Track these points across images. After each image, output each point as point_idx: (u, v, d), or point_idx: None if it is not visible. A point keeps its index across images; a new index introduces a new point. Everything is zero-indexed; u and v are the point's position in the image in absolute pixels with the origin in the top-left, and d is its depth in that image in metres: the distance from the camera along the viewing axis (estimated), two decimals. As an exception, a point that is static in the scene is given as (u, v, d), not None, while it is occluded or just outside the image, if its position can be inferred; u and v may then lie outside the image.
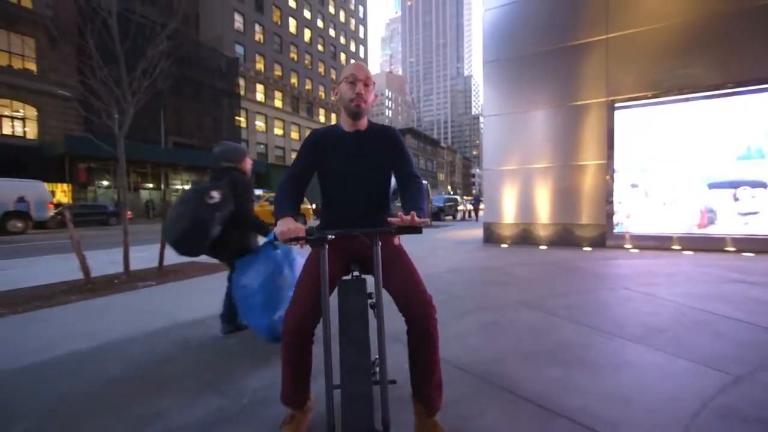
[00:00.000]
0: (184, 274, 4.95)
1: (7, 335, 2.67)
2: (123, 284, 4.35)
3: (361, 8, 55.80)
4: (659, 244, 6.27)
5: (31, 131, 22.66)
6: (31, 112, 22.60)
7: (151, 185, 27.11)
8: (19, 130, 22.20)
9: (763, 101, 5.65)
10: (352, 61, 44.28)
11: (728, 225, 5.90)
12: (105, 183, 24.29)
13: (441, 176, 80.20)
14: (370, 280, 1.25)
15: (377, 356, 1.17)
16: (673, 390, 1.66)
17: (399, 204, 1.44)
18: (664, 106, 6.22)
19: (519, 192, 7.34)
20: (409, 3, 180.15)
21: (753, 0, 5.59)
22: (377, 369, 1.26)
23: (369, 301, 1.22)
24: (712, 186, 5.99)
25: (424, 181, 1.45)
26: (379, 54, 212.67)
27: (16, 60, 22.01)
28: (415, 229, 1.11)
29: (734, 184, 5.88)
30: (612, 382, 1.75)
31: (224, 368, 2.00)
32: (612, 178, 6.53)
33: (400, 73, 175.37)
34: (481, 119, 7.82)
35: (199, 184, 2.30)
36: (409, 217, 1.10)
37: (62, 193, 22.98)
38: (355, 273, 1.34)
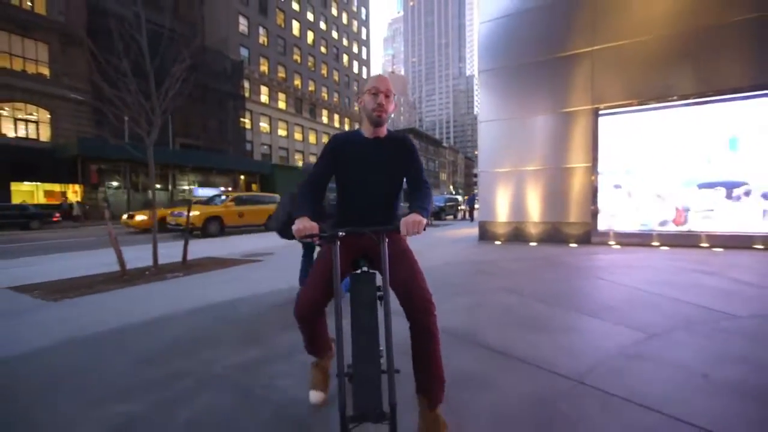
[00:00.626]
0: (203, 267, 5.51)
1: (72, 313, 3.23)
2: (153, 276, 4.90)
3: (363, 10, 56.28)
4: (640, 240, 6.77)
5: (44, 134, 23.33)
6: (44, 115, 23.27)
7: (158, 186, 27.77)
8: (32, 132, 22.90)
9: (735, 109, 6.15)
10: (355, 62, 44.66)
11: (702, 223, 6.40)
12: (115, 183, 24.95)
13: (443, 176, 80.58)
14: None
15: (383, 348, 1.26)
16: (602, 344, 2.19)
17: (403, 204, 1.71)
18: (645, 113, 6.73)
19: (512, 193, 7.86)
20: (411, 3, 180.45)
21: (726, 17, 6.09)
22: (383, 360, 1.32)
23: (377, 293, 1.30)
24: (701, 186, 6.42)
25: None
26: (381, 54, 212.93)
27: (30, 65, 22.70)
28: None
29: (717, 185, 6.36)
30: (559, 340, 2.28)
31: (260, 331, 2.56)
32: (596, 179, 7.04)
33: (402, 72, 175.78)
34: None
35: (291, 190, 3.22)
36: (406, 230, 1.24)
37: (73, 193, 23.66)
38: (364, 268, 1.44)
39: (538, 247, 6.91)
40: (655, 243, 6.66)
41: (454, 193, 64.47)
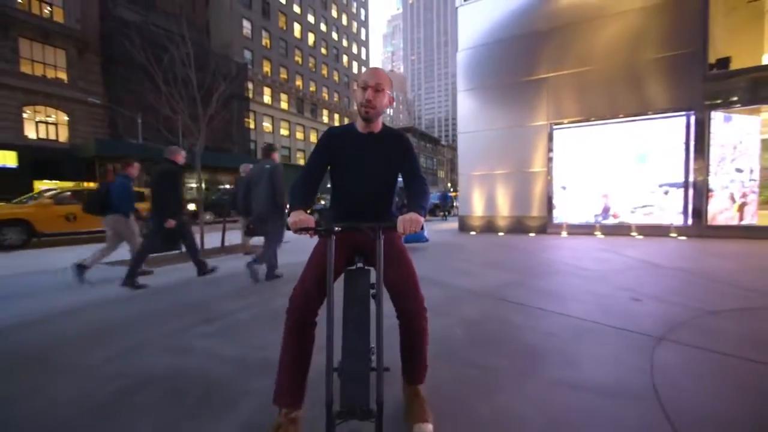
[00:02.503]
0: (237, 250, 7.11)
1: (176, 271, 4.85)
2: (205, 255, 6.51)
3: (362, 11, 57.56)
4: (586, 230, 8.41)
5: (62, 135, 24.83)
6: (62, 117, 24.75)
7: (169, 184, 29.19)
8: (52, 134, 24.42)
9: (652, 126, 7.76)
10: (354, 63, 45.56)
11: (633, 216, 8.04)
12: (128, 182, 26.42)
13: (441, 174, 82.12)
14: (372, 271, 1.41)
15: (373, 345, 1.23)
16: (497, 280, 3.83)
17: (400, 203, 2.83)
18: (589, 128, 8.35)
19: (485, 192, 9.50)
20: (410, 1, 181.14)
21: (653, 53, 7.67)
22: (373, 357, 1.31)
23: (371, 291, 1.30)
24: (661, 185, 7.91)
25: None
26: (381, 51, 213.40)
27: (50, 70, 24.16)
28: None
29: (664, 185, 7.93)
30: (473, 279, 3.91)
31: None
32: (552, 181, 8.67)
33: (402, 70, 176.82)
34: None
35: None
36: (403, 229, 1.23)
37: (90, 191, 25.19)
38: (359, 264, 1.44)
39: (504, 236, 8.55)
40: (597, 233, 8.30)
41: (452, 190, 65.80)
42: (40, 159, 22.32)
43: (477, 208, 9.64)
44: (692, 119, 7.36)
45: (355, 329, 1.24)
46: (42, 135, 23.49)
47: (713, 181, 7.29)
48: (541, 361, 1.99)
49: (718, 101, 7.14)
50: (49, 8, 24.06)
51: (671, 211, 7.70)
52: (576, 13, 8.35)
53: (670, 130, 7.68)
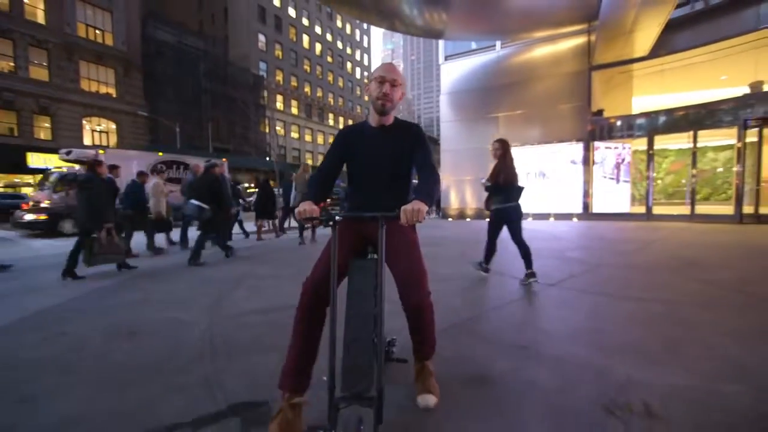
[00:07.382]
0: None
1: (277, 241, 9.15)
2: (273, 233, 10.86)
3: (365, 20, 61.42)
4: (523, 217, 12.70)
5: (112, 141, 29.15)
6: (111, 126, 29.04)
7: (198, 183, 33.45)
8: (104, 140, 28.72)
9: (564, 149, 12.06)
10: (357, 69, 49.69)
11: (552, 206, 12.36)
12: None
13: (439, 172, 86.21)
14: None
15: (394, 337, 1.35)
16: (442, 237, 8.13)
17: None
18: (524, 149, 12.65)
19: (459, 191, 13.82)
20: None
21: (564, 103, 11.95)
22: (393, 348, 1.42)
23: (376, 280, 1.34)
24: (568, 187, 12.19)
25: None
26: (381, 48, 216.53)
27: (102, 86, 28.41)
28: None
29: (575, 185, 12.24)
30: (430, 233, 8.22)
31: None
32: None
33: (402, 68, 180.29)
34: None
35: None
36: (405, 219, 1.25)
37: (133, 189, 29.48)
38: (374, 256, 1.52)
39: (469, 221, 12.87)
40: (530, 218, 12.60)
41: (448, 188, 69.60)
42: (94, 162, 26.51)
43: (453, 202, 13.97)
44: (582, 146, 11.67)
45: (357, 319, 1.27)
46: (96, 142, 27.74)
47: (596, 184, 11.62)
48: (436, 242, 6.30)
49: (597, 135, 11.44)
50: (99, 31, 28.18)
51: (573, 203, 12.02)
52: (519, 74, 12.66)
53: (574, 153, 11.98)
